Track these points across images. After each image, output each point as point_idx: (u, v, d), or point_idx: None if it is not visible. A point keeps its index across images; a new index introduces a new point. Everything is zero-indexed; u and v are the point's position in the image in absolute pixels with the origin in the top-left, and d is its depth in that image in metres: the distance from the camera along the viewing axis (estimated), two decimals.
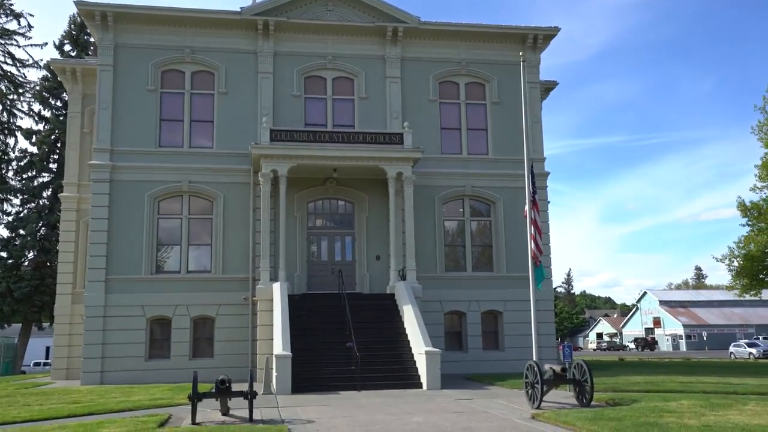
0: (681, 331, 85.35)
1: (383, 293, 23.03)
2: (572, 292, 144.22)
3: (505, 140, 25.95)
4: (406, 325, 20.62)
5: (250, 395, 12.51)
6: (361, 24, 25.54)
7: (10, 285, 38.04)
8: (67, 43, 42.13)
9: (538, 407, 13.17)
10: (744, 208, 34.66)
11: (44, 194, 40.60)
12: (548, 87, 29.84)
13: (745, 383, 17.78)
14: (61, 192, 28.10)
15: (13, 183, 41.82)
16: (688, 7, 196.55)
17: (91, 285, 22.70)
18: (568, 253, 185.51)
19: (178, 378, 21.32)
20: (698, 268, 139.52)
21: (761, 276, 34.63)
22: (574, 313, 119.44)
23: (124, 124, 23.88)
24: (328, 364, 19.09)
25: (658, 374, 21.52)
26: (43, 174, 41.02)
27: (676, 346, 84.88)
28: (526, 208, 17.42)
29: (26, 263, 39.89)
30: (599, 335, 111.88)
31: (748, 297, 38.76)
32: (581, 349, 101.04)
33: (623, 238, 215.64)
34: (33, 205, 40.57)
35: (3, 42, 42.79)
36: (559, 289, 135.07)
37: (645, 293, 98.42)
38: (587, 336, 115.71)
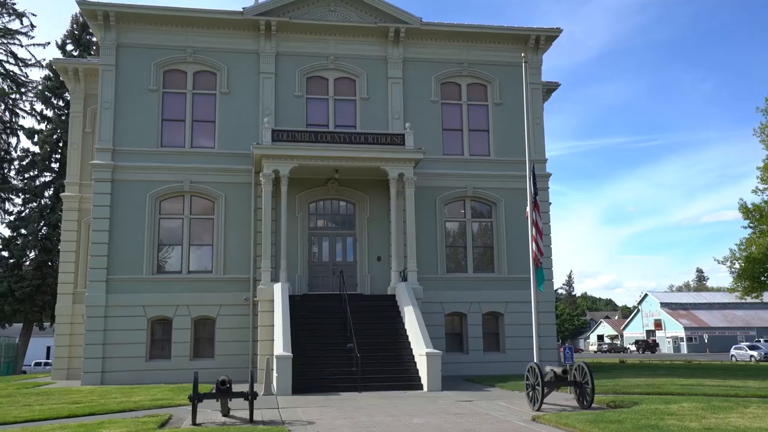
0: (682, 333, 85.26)
1: (384, 294, 23.02)
2: (573, 293, 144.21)
3: (506, 141, 25.93)
4: (406, 326, 20.61)
5: (250, 396, 12.50)
6: (363, 24, 25.54)
7: (12, 285, 38.09)
8: (69, 43, 42.22)
9: (539, 409, 13.15)
10: (746, 210, 34.67)
11: (46, 194, 40.66)
12: (550, 88, 29.83)
13: (746, 386, 17.73)
14: (63, 191, 28.11)
15: (15, 182, 41.93)
16: (689, 8, 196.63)
17: (92, 285, 22.71)
18: (569, 254, 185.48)
19: (178, 378, 21.31)
20: (699, 270, 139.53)
21: (763, 278, 34.64)
22: (575, 314, 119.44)
23: (126, 124, 23.90)
24: (328, 365, 19.08)
25: (659, 376, 21.48)
26: (45, 173, 41.08)
27: (677, 349, 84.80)
28: (528, 209, 17.40)
29: (27, 263, 39.95)
30: (600, 337, 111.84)
31: (749, 299, 38.76)
32: (582, 351, 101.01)
33: (624, 239, 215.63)
34: (35, 204, 40.64)
35: (5, 41, 42.88)
36: (560, 291, 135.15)
37: (646, 295, 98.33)
38: (588, 338, 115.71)
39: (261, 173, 22.79)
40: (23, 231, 39.49)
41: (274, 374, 17.83)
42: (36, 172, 41.21)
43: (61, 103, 41.16)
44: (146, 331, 22.82)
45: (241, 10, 24.79)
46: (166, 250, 23.94)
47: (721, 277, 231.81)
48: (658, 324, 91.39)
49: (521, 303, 23.54)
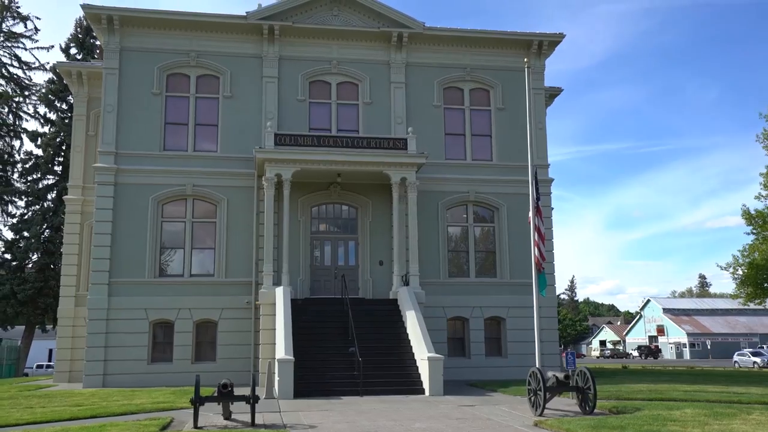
0: (685, 339, 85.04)
1: (386, 298, 23.01)
2: (576, 299, 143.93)
3: (509, 146, 25.94)
4: (408, 330, 20.59)
5: (252, 399, 12.49)
6: (366, 29, 25.60)
7: (14, 287, 38.17)
8: (73, 46, 42.38)
9: (541, 414, 13.13)
10: (749, 217, 34.62)
11: (49, 196, 40.76)
12: (553, 93, 29.85)
13: (749, 392, 17.69)
14: (66, 194, 28.18)
15: (18, 185, 42.06)
16: (694, 13, 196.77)
17: (94, 287, 22.74)
18: (571, 259, 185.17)
19: (180, 381, 21.29)
20: (702, 276, 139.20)
21: (766, 285, 34.54)
22: (577, 320, 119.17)
23: (129, 127, 23.95)
24: (330, 369, 19.07)
25: (661, 382, 21.43)
26: (48, 176, 41.21)
27: (679, 355, 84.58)
28: (530, 214, 17.39)
29: (30, 265, 40.00)
30: (602, 343, 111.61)
31: (752, 306, 38.67)
32: (584, 356, 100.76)
33: (627, 245, 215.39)
34: (37, 207, 40.72)
35: (9, 45, 43.06)
36: (562, 296, 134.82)
37: (648, 301, 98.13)
38: (590, 343, 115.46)
39: (263, 177, 22.82)
40: (26, 234, 39.58)
41: (276, 378, 17.83)
42: (39, 175, 41.34)
43: (64, 106, 41.30)
44: (148, 334, 22.82)
45: (245, 14, 24.86)
46: (168, 253, 23.97)
47: (724, 283, 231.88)
48: (661, 330, 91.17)
49: (523, 308, 23.52)
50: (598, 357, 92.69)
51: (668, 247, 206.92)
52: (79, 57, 41.23)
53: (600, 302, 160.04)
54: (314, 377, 18.57)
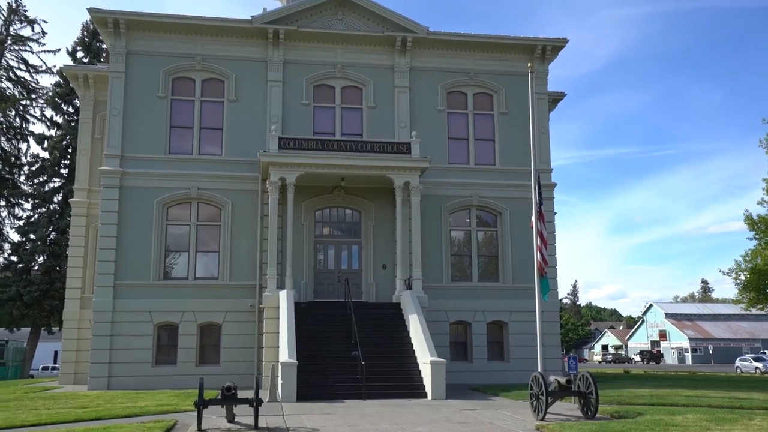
0: (687, 344, 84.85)
1: (389, 302, 23.09)
2: (578, 303, 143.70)
3: (512, 151, 26.01)
4: (411, 334, 20.66)
5: (255, 402, 12.56)
6: (370, 33, 25.72)
7: (20, 289, 38.35)
8: (79, 50, 42.60)
9: (543, 419, 13.17)
10: (751, 222, 34.61)
11: (55, 199, 40.96)
12: (556, 98, 29.92)
13: (751, 398, 17.69)
14: (72, 197, 28.33)
15: (24, 188, 42.30)
16: (698, 18, 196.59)
17: (99, 290, 22.86)
18: (574, 264, 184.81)
19: (184, 384, 21.41)
20: (705, 281, 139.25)
21: None
22: (579, 324, 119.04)
23: (134, 131, 24.11)
24: (333, 372, 19.14)
25: (663, 387, 21.43)
26: (54, 179, 41.40)
27: (681, 360, 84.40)
28: (533, 218, 17.47)
29: (36, 268, 40.18)
30: (605, 347, 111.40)
31: (754, 311, 38.65)
32: (586, 361, 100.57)
33: (630, 249, 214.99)
34: (44, 209, 40.94)
35: (17, 48, 43.32)
36: (564, 301, 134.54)
37: (651, 306, 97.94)
38: (592, 348, 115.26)
39: (268, 180, 22.94)
40: (32, 236, 39.78)
41: (279, 381, 17.91)
42: (45, 178, 41.56)
43: (70, 109, 41.53)
44: (152, 337, 22.94)
45: (250, 18, 25.02)
46: (173, 256, 24.09)
47: (726, 288, 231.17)
48: (663, 335, 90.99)
49: (526, 312, 23.55)
50: (600, 362, 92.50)
51: (671, 252, 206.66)
52: (85, 60, 41.46)
53: (602, 307, 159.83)
54: (317, 380, 18.64)
